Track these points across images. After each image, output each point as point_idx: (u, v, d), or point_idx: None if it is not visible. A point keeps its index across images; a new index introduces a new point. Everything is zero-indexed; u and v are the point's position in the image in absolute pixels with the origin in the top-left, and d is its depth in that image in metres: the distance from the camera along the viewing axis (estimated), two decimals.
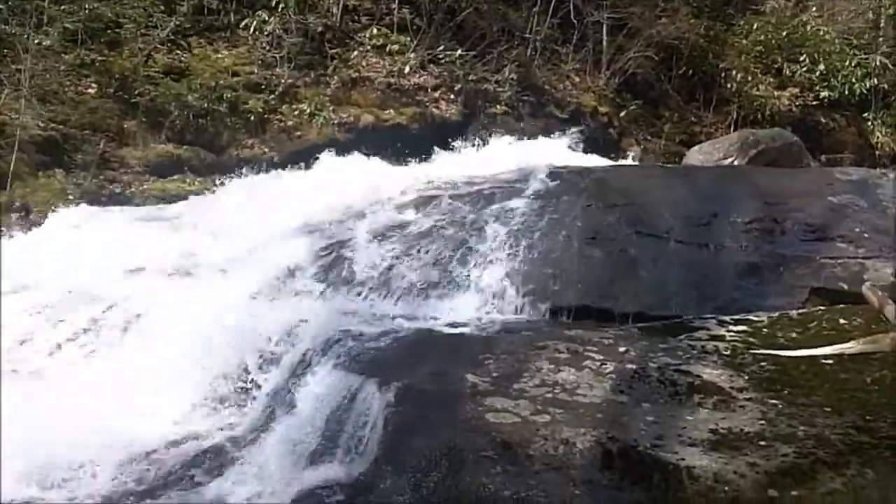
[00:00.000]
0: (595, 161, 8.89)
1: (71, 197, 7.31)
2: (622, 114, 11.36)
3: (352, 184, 7.03)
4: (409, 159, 8.42)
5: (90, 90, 8.75)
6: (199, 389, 4.42)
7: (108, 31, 9.22)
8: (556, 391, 3.69)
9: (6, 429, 3.98)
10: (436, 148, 8.90)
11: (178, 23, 9.50)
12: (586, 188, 6.52)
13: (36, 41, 8.24)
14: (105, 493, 3.76)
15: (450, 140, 9.25)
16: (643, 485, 3.06)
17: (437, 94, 10.25)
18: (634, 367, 3.90)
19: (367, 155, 8.09)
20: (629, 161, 10.00)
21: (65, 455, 3.96)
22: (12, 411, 4.19)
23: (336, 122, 9.37)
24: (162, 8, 9.54)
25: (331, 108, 9.44)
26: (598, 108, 10.99)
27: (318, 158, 8.13)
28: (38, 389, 4.55)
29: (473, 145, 9.10)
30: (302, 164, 8.17)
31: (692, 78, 12.52)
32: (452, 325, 4.87)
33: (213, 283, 5.30)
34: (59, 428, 4.11)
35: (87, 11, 8.92)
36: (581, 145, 9.52)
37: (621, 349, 4.15)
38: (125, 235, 6.21)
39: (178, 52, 9.57)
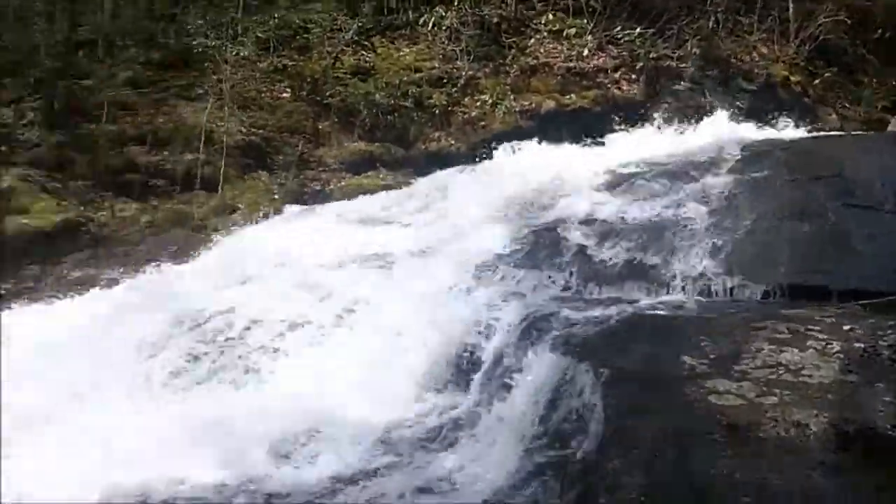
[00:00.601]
0: (790, 133, 8.49)
1: (276, 196, 7.76)
2: (815, 82, 10.72)
3: (540, 170, 7.07)
4: (595, 142, 8.37)
5: (284, 94, 9.26)
6: (420, 375, 4.61)
7: (297, 37, 9.75)
8: (780, 372, 3.57)
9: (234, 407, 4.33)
10: (621, 128, 8.80)
11: (360, 24, 9.89)
12: (786, 161, 6.30)
13: (233, 52, 8.80)
14: (333, 474, 3.98)
15: (634, 120, 9.12)
16: (886, 468, 2.92)
17: (617, 75, 10.06)
18: (863, 345, 3.72)
19: (551, 140, 8.13)
20: (828, 131, 9.43)
21: (295, 436, 4.25)
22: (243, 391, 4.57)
23: (518, 109, 9.40)
24: (345, 11, 9.96)
25: (512, 97, 9.48)
26: (790, 78, 10.42)
27: (497, 148, 8.25)
28: (265, 372, 4.91)
29: (659, 124, 8.90)
30: (486, 154, 8.32)
31: (890, 40, 11.62)
32: (657, 307, 4.81)
33: (422, 272, 5.49)
34: (289, 409, 4.42)
35: (276, 20, 9.46)
36: (773, 117, 9.10)
37: (846, 328, 3.95)
38: (332, 230, 6.54)
39: (363, 52, 9.93)
